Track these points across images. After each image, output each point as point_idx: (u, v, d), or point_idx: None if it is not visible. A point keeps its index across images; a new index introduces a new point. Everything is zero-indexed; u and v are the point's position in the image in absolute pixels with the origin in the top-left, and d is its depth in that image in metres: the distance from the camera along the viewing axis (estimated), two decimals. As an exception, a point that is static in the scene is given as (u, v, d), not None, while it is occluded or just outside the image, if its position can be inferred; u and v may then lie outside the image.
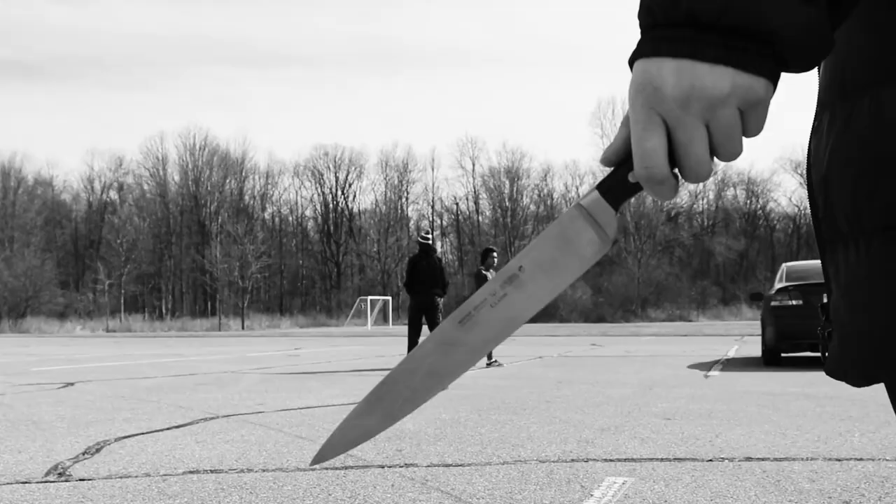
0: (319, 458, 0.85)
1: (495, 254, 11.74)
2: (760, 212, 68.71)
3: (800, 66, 0.70)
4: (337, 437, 0.84)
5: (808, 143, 0.85)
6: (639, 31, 0.73)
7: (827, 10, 0.68)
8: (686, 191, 67.99)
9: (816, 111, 0.84)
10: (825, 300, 0.87)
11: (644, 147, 0.71)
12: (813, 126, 0.83)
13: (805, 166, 0.86)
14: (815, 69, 0.86)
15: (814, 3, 0.67)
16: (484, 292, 0.81)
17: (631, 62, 0.73)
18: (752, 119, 0.70)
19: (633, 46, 0.73)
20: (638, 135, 0.72)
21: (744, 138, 0.72)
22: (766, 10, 0.66)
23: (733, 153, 0.71)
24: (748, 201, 69.09)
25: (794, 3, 0.66)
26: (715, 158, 0.73)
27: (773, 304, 11.18)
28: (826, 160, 0.79)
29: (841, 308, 0.79)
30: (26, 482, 3.77)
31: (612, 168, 0.78)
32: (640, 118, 0.71)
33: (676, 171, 0.73)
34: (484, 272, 11.48)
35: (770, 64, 0.68)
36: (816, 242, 0.84)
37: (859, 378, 0.78)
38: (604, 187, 0.78)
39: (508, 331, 0.81)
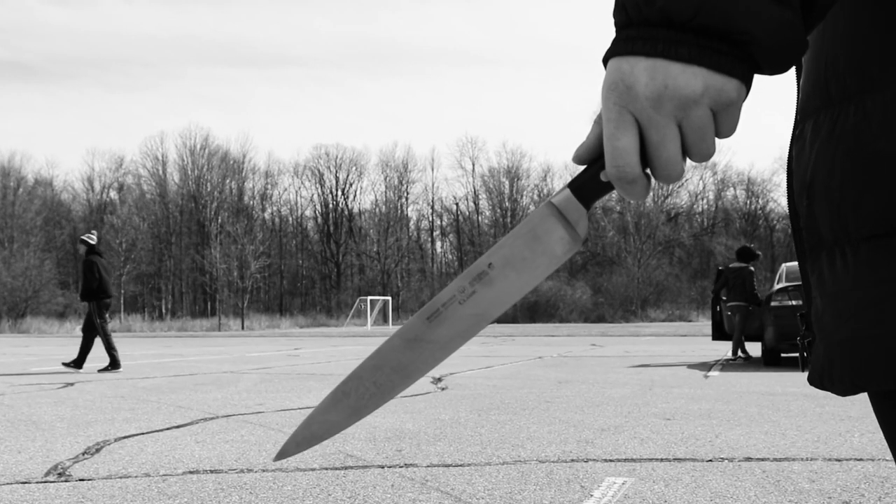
0: (283, 453, 0.83)
1: None
2: (760, 212, 68.72)
3: (773, 68, 0.70)
4: (301, 433, 0.82)
5: (788, 151, 0.84)
6: (613, 29, 0.73)
7: (801, 12, 0.68)
8: (686, 191, 68.05)
9: (797, 120, 0.83)
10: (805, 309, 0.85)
11: (615, 146, 0.71)
12: (794, 135, 0.83)
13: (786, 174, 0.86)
14: (796, 78, 0.86)
15: (787, 4, 0.67)
16: (452, 289, 0.79)
17: (605, 60, 0.72)
18: (724, 120, 0.70)
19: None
20: (610, 133, 0.71)
21: (717, 139, 0.71)
22: (740, 11, 0.66)
23: (706, 154, 0.71)
24: (748, 201, 69.14)
25: (768, 5, 0.66)
26: (687, 159, 0.73)
27: (773, 304, 11.17)
28: (810, 169, 0.78)
29: (826, 317, 0.79)
30: (26, 482, 3.77)
31: (584, 166, 0.77)
32: (612, 117, 0.71)
33: (648, 170, 0.73)
34: None
35: (743, 65, 0.68)
36: (796, 251, 0.83)
37: (846, 387, 0.77)
38: (575, 185, 0.78)
39: (477, 328, 0.79)
